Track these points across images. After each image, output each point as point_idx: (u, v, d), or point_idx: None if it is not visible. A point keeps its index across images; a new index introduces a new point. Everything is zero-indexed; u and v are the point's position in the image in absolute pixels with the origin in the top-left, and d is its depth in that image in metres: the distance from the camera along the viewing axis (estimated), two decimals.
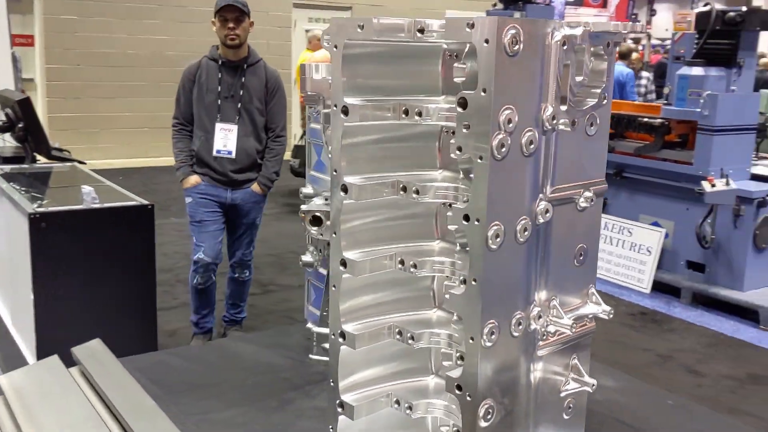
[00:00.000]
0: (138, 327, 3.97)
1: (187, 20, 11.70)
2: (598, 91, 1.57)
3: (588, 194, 1.62)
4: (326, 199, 2.37)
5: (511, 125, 1.37)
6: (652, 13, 21.25)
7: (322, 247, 2.42)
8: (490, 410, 1.47)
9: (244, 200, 4.49)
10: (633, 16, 19.37)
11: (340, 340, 1.63)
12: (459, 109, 1.38)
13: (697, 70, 6.56)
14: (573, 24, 1.45)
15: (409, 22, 1.55)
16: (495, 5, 9.22)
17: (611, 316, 1.68)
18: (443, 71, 1.68)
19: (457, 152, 1.40)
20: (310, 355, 2.46)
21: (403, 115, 1.60)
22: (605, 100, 1.60)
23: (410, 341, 1.59)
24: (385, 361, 1.72)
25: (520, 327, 1.50)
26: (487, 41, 1.31)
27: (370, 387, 1.70)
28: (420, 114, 1.57)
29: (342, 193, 1.63)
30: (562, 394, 1.67)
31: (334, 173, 1.65)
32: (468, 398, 1.47)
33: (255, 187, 4.47)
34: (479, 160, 1.36)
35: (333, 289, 1.67)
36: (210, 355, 2.62)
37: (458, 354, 1.52)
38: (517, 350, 1.52)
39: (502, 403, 1.50)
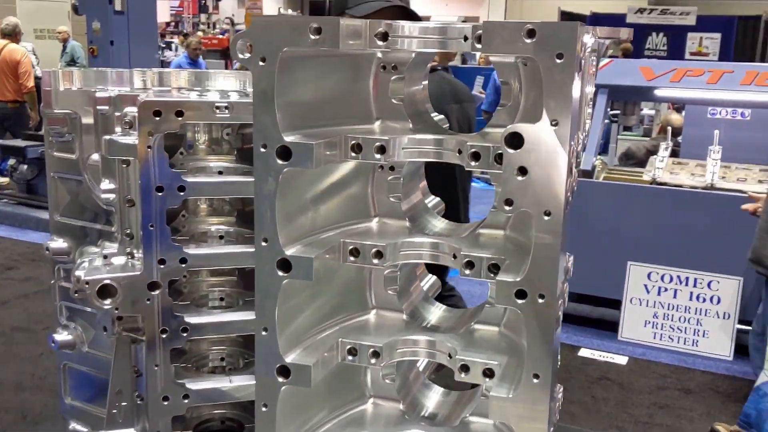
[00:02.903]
0: None
1: None
2: None
3: None
4: (105, 258, 1.71)
5: (576, 166, 1.05)
6: None
7: (108, 323, 1.75)
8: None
9: None
10: (203, 2, 19.25)
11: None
12: (509, 150, 1.01)
13: None
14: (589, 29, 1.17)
15: (363, 23, 1.10)
16: None
17: None
18: (375, 89, 1.26)
19: (506, 207, 1.02)
20: None
21: (352, 153, 1.15)
22: None
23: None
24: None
25: None
26: (560, 56, 0.96)
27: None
28: (383, 151, 1.14)
29: (281, 272, 1.12)
30: None
31: (263, 244, 1.13)
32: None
33: None
34: (545, 217, 1.01)
35: (264, 409, 1.16)
36: None
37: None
38: None
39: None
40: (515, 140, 0.99)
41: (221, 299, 1.94)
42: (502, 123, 1.21)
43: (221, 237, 1.91)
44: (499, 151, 1.07)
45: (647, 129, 10.84)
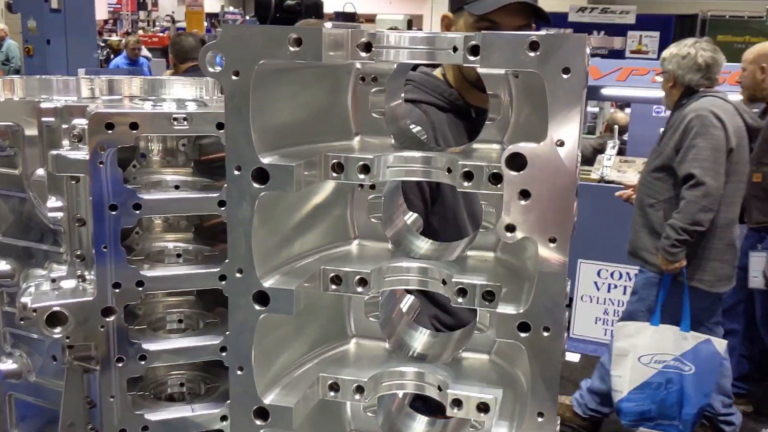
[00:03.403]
0: None
1: None
2: None
3: None
4: (54, 281, 1.58)
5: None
6: None
7: (58, 352, 1.62)
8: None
9: None
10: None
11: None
12: (510, 172, 0.93)
13: None
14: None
15: (344, 33, 1.01)
16: None
17: None
18: (354, 102, 1.17)
19: (507, 234, 0.94)
20: None
21: (333, 173, 1.06)
22: None
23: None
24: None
25: None
26: (567, 71, 0.88)
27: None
28: (366, 170, 1.05)
29: (258, 306, 1.02)
30: None
31: (238, 275, 1.02)
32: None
33: None
34: (551, 244, 0.93)
35: None
36: None
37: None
38: None
39: None
40: (517, 161, 0.92)
41: (179, 321, 1.82)
42: (491, 138, 1.14)
43: (179, 255, 1.79)
44: (495, 171, 0.99)
45: (591, 127, 10.99)
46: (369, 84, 1.15)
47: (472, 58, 0.96)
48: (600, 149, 7.47)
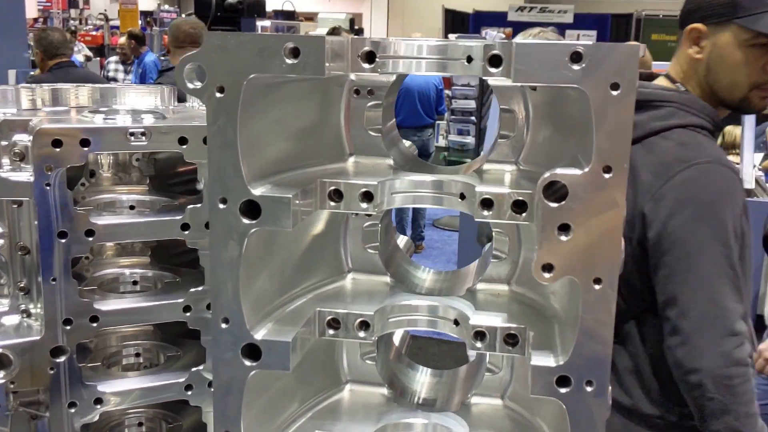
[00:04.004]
0: None
1: None
2: None
3: None
4: None
5: None
6: None
7: (1, 397, 1.43)
8: None
9: None
10: None
11: None
12: (548, 203, 0.80)
13: None
14: None
15: (344, 41, 0.87)
16: None
17: None
18: (347, 118, 1.04)
19: (545, 274, 0.82)
20: None
21: (331, 202, 0.92)
22: None
23: None
24: None
25: None
26: (616, 86, 0.76)
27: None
28: (369, 198, 0.91)
29: (247, 362, 0.87)
30: None
31: (224, 326, 0.87)
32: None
33: None
34: (596, 286, 0.81)
35: None
36: None
37: None
38: None
39: None
40: (556, 191, 0.79)
41: (137, 354, 1.65)
42: (502, 158, 1.02)
43: (135, 283, 1.62)
44: (519, 198, 0.87)
45: None
46: (364, 98, 1.02)
47: (492, 70, 0.83)
48: None
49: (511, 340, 0.91)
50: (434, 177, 0.95)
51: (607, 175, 0.77)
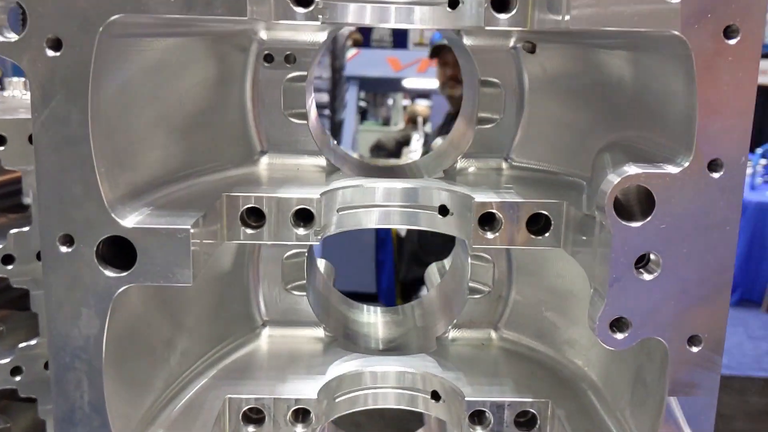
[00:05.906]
0: None
1: None
2: None
3: None
4: None
5: None
6: None
7: None
8: None
9: None
10: None
11: None
12: (621, 221, 0.50)
13: None
14: None
15: None
16: None
17: None
18: (255, 99, 0.69)
19: (617, 336, 0.51)
20: None
21: (247, 229, 0.58)
22: None
23: None
24: None
25: None
26: (733, 33, 0.47)
27: None
28: (307, 219, 0.58)
29: None
30: None
31: None
32: None
33: None
34: (692, 348, 0.52)
35: None
36: None
37: None
38: None
39: None
40: (631, 199, 0.49)
41: None
42: (484, 151, 0.71)
43: None
44: (540, 212, 0.57)
45: (385, 119, 10.90)
46: (280, 67, 0.68)
47: (500, 16, 0.53)
48: (403, 141, 7.32)
49: (523, 417, 0.61)
50: (407, 185, 0.63)
51: (715, 174, 0.48)
